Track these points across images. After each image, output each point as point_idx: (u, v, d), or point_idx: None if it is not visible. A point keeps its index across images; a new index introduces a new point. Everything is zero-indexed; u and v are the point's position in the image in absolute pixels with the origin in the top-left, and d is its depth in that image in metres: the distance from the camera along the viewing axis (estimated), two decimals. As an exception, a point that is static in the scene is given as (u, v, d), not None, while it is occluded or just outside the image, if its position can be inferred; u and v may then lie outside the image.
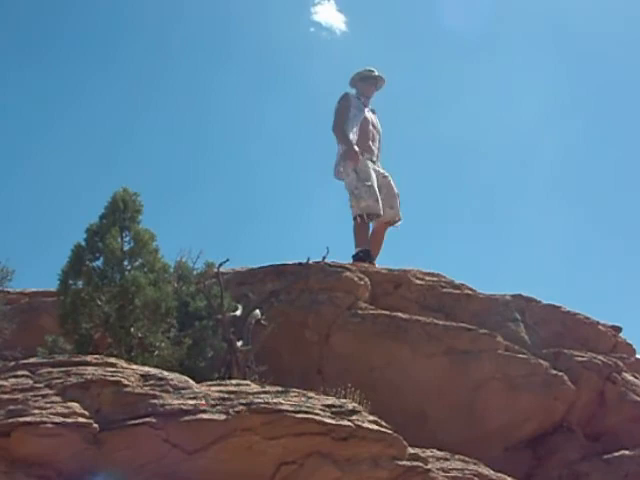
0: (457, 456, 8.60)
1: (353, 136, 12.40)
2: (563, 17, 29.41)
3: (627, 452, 10.28)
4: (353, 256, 11.96)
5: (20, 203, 28.12)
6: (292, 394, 7.33)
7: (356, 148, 12.23)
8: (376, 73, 12.90)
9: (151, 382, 7.11)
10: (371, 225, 12.45)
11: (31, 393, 6.81)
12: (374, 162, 12.62)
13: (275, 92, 29.92)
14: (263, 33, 30.17)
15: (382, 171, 12.70)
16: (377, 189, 12.26)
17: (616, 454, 10.28)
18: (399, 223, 12.73)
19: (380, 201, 12.22)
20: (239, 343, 9.27)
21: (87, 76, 29.25)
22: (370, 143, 12.65)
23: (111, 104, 29.64)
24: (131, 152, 29.73)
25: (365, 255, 11.93)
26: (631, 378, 11.32)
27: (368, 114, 12.78)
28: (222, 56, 30.58)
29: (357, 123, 12.54)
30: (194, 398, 6.98)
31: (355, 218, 12.26)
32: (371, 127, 12.77)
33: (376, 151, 12.78)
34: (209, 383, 7.51)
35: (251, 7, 30.15)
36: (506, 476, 8.75)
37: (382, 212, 12.23)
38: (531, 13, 29.79)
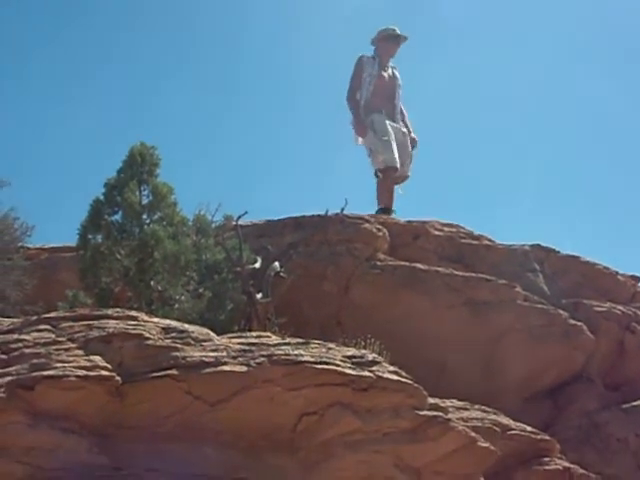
0: (477, 406, 8.65)
1: (362, 100, 12.38)
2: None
3: (647, 400, 10.33)
4: (377, 212, 11.95)
5: (39, 158, 28.17)
6: (312, 345, 7.35)
7: (362, 116, 12.26)
8: (397, 32, 12.78)
9: (172, 335, 7.13)
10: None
11: (53, 347, 6.85)
12: (393, 119, 12.57)
13: (293, 48, 29.78)
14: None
15: (402, 128, 12.65)
16: (394, 143, 12.22)
17: (635, 404, 10.33)
18: (405, 182, 12.68)
19: (396, 154, 12.19)
20: (258, 295, 9.29)
21: (108, 34, 29.10)
22: (387, 101, 12.60)
23: (131, 61, 29.60)
24: (149, 106, 29.70)
25: (384, 213, 11.91)
26: (652, 328, 11.34)
27: (385, 73, 12.70)
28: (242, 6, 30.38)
29: (370, 85, 12.49)
30: (215, 350, 7.01)
31: (376, 174, 12.26)
32: (388, 85, 12.70)
33: (396, 108, 12.72)
34: (230, 335, 7.53)
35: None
36: (525, 425, 8.79)
37: (399, 164, 12.20)
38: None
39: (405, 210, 12.41)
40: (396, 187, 12.62)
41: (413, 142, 12.71)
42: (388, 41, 12.72)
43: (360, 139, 12.47)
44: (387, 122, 12.37)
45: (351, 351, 7.53)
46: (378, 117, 12.34)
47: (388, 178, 12.24)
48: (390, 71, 12.78)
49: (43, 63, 27.83)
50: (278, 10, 29.35)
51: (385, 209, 12.01)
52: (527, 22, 29.58)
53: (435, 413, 7.61)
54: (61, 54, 28.71)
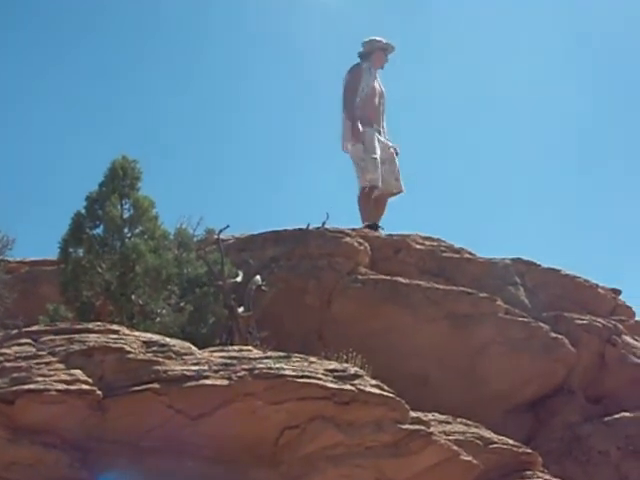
0: (459, 419, 8.66)
1: (357, 111, 12.38)
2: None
3: (627, 414, 10.36)
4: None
5: (20, 172, 28.10)
6: (294, 359, 7.37)
7: (360, 128, 12.24)
8: (385, 42, 12.79)
9: (154, 349, 7.14)
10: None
11: (34, 361, 6.84)
12: (380, 133, 12.59)
13: (272, 60, 29.84)
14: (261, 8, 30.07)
15: (387, 142, 12.66)
16: (380, 162, 12.24)
17: (617, 416, 10.35)
18: (402, 194, 12.70)
19: (380, 173, 12.21)
20: (240, 309, 9.29)
21: (76, 39, 29.11)
22: (377, 114, 12.61)
23: (106, 69, 29.55)
24: (129, 119, 29.66)
25: (372, 229, 11.92)
26: (631, 340, 11.38)
27: (376, 84, 12.71)
28: (219, 21, 30.45)
29: (364, 96, 12.50)
30: (197, 364, 7.01)
31: (361, 190, 12.25)
32: (378, 98, 12.71)
33: (382, 122, 12.74)
34: (211, 349, 7.53)
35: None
36: (507, 439, 8.80)
37: (381, 184, 12.19)
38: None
39: (385, 224, 12.44)
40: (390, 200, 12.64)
41: (395, 151, 12.70)
42: (380, 52, 12.72)
43: (349, 146, 12.41)
44: (376, 138, 12.36)
45: (333, 365, 7.54)
46: (370, 133, 12.31)
47: (370, 196, 12.24)
48: (378, 81, 12.79)
49: (21, 74, 27.73)
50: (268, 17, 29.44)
51: (372, 225, 12.01)
52: (520, 24, 29.66)
53: (417, 427, 7.63)
54: (38, 63, 28.54)
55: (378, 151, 12.26)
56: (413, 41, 29.10)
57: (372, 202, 12.33)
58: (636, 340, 11.50)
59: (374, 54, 12.69)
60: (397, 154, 12.73)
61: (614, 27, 27.96)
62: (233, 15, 29.95)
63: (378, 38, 12.81)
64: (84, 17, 28.66)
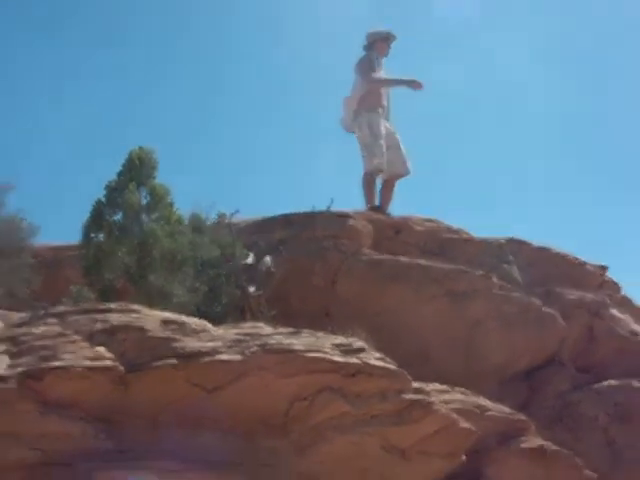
0: (457, 389, 8.69)
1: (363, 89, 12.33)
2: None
3: (614, 382, 10.38)
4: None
5: (42, 163, 28.11)
6: (303, 335, 7.38)
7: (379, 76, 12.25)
8: (386, 31, 12.73)
9: (172, 327, 7.14)
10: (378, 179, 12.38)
11: (60, 339, 6.85)
12: (387, 118, 12.56)
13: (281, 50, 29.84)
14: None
15: (391, 128, 12.61)
16: (386, 145, 12.20)
17: (604, 384, 10.39)
18: (409, 175, 12.64)
19: (385, 157, 12.17)
20: (251, 289, 9.33)
21: (103, 39, 29.09)
22: (382, 98, 12.56)
23: (124, 66, 29.56)
24: (144, 109, 29.67)
25: (376, 211, 11.91)
26: (617, 314, 11.41)
27: (382, 73, 12.66)
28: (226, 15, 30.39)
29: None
30: (212, 340, 7.03)
31: (366, 174, 12.22)
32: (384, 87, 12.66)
33: (388, 108, 12.69)
34: (225, 326, 7.54)
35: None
36: (503, 407, 8.84)
37: (385, 167, 12.16)
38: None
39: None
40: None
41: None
42: (383, 41, 12.66)
43: (356, 130, 12.34)
44: (382, 123, 12.30)
45: (339, 339, 7.55)
46: (375, 118, 12.25)
47: (374, 180, 12.22)
48: (384, 70, 12.73)
49: (44, 67, 27.66)
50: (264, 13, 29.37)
51: (374, 207, 11.98)
52: (521, 23, 29.61)
53: (419, 397, 7.65)
54: (59, 58, 28.48)
55: (384, 136, 12.20)
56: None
57: (380, 186, 12.31)
58: (622, 313, 11.52)
59: (377, 44, 12.63)
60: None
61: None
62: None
63: (379, 29, 12.76)
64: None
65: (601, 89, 30.21)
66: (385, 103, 12.63)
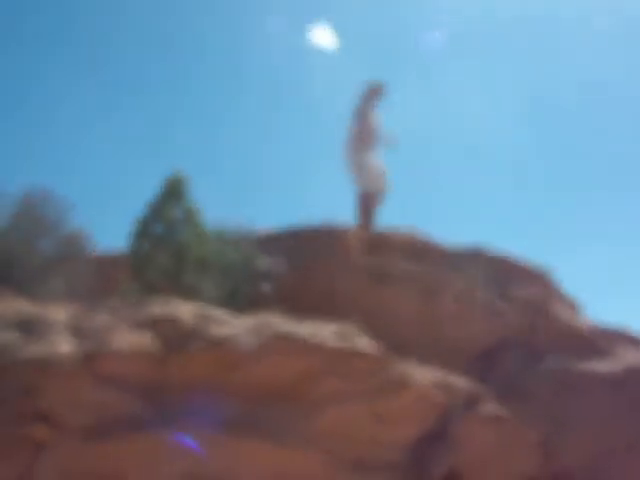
0: (429, 367, 8.66)
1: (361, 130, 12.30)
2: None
3: (554, 361, 10.33)
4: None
5: (100, 187, 28.08)
6: (307, 324, 7.40)
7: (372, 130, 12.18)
8: (380, 82, 12.68)
9: (201, 317, 7.16)
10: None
11: (112, 327, 6.89)
12: (376, 153, 12.51)
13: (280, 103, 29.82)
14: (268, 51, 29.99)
15: (379, 158, 12.55)
16: (377, 172, 12.17)
17: (546, 363, 10.34)
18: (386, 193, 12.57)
19: (378, 181, 12.14)
20: (265, 287, 9.32)
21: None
22: (374, 137, 12.51)
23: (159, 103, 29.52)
24: (183, 144, 29.63)
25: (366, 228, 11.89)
26: (557, 306, 11.38)
27: (374, 117, 12.59)
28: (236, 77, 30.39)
29: (368, 125, 12.40)
30: (234, 328, 7.04)
31: (360, 195, 12.16)
32: (376, 126, 12.61)
33: (377, 145, 12.62)
34: (244, 317, 7.55)
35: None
36: (466, 381, 8.82)
37: (378, 189, 12.12)
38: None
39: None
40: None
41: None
42: (374, 92, 12.59)
43: (354, 158, 12.28)
44: (372, 155, 12.23)
45: (335, 328, 7.57)
46: (367, 151, 12.21)
47: (368, 200, 12.15)
48: (376, 115, 12.65)
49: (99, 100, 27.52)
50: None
51: (366, 225, 11.93)
52: (505, 52, 29.30)
53: (399, 373, 7.64)
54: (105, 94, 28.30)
55: (376, 164, 12.17)
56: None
57: (369, 207, 12.27)
58: (560, 306, 11.49)
59: (371, 93, 12.58)
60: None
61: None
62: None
63: (374, 79, 12.70)
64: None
65: (543, 122, 30.05)
66: (377, 140, 12.58)
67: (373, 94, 12.51)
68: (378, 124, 12.57)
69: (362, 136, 12.24)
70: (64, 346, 6.62)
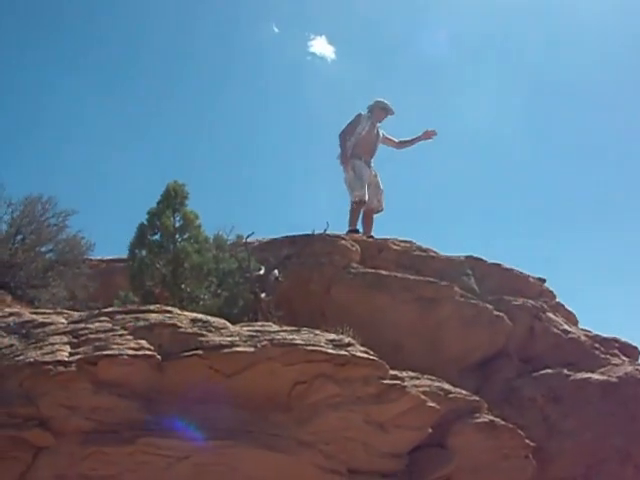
0: (425, 376, 8.68)
1: (350, 145, 12.37)
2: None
3: (550, 370, 10.39)
4: (347, 232, 12.01)
5: (100, 196, 28.16)
6: (303, 332, 7.39)
7: (347, 157, 12.28)
8: (389, 105, 12.80)
9: (198, 324, 7.16)
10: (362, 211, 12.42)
11: (111, 333, 6.90)
12: (369, 166, 12.56)
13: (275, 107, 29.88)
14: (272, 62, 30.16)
15: (373, 172, 12.64)
16: (367, 184, 12.26)
17: (542, 372, 10.39)
18: (381, 212, 12.68)
19: (367, 192, 12.23)
20: (263, 295, 9.36)
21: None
22: (368, 150, 12.58)
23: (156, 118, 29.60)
24: (181, 152, 29.74)
25: (354, 233, 11.99)
26: (553, 316, 11.44)
27: (374, 131, 12.67)
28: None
29: (360, 136, 12.47)
30: (230, 336, 7.05)
31: (352, 203, 12.29)
32: (373, 141, 12.67)
33: (371, 157, 12.69)
34: (241, 324, 7.56)
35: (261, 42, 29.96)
36: (461, 390, 8.85)
37: (367, 199, 12.23)
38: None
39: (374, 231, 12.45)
40: (374, 216, 12.62)
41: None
42: (381, 110, 12.74)
43: (344, 171, 12.38)
44: (364, 167, 12.38)
45: (332, 336, 7.56)
46: (359, 163, 12.33)
47: (358, 209, 12.29)
48: (376, 131, 12.75)
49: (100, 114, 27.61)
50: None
51: (354, 230, 12.07)
52: (502, 58, 29.46)
53: (395, 381, 7.65)
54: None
55: (365, 176, 12.29)
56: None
57: (362, 216, 12.36)
58: (556, 316, 11.56)
59: (376, 110, 12.71)
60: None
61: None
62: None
63: (383, 100, 12.82)
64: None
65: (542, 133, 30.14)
66: (371, 153, 12.65)
67: (377, 113, 12.64)
68: (376, 140, 12.67)
69: (354, 150, 12.35)
70: (63, 351, 6.66)
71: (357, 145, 12.44)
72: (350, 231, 12.01)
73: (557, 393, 10.04)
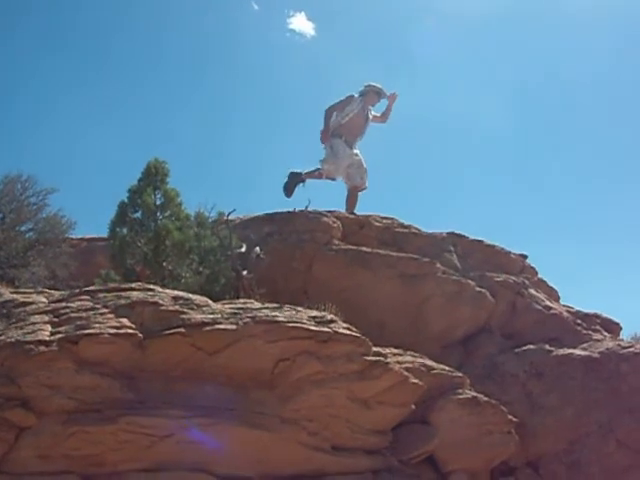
0: (408, 352, 8.71)
1: (335, 123, 12.27)
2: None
3: (532, 346, 10.43)
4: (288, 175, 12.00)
5: (77, 170, 28.01)
6: (285, 309, 7.41)
7: (327, 133, 12.22)
8: (381, 89, 12.70)
9: (180, 302, 7.16)
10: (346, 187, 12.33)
11: (92, 312, 6.89)
12: (351, 145, 12.43)
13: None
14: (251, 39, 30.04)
15: (356, 151, 12.51)
16: (343, 163, 12.13)
17: (524, 348, 10.43)
18: (365, 189, 12.59)
19: (339, 169, 12.09)
20: (244, 272, 9.35)
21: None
22: (355, 132, 12.46)
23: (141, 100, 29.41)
24: (161, 129, 29.62)
25: (292, 177, 11.97)
26: (534, 292, 11.48)
27: (364, 114, 12.56)
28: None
29: (347, 117, 12.36)
30: (212, 313, 7.05)
31: (319, 170, 12.08)
32: (362, 124, 12.56)
33: (357, 139, 12.57)
34: (223, 302, 7.57)
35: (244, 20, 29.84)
36: (444, 366, 8.89)
37: (337, 176, 12.13)
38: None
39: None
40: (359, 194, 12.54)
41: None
42: (374, 95, 12.63)
43: (322, 146, 12.31)
44: (341, 145, 12.23)
45: (314, 312, 7.59)
46: (338, 141, 12.17)
47: (320, 176, 12.09)
48: (366, 113, 12.63)
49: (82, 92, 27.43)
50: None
51: (295, 173, 12.01)
52: (493, 56, 29.48)
53: (377, 358, 7.68)
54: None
55: (340, 155, 12.14)
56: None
57: (347, 194, 12.23)
58: (538, 292, 11.60)
59: (368, 94, 12.60)
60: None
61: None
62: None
63: (377, 84, 12.71)
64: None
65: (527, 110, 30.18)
66: (357, 135, 12.49)
67: (370, 96, 12.55)
68: (364, 123, 12.57)
69: (337, 130, 12.26)
70: (44, 331, 6.64)
71: (343, 126, 12.33)
72: (292, 175, 11.98)
73: (539, 369, 10.09)
